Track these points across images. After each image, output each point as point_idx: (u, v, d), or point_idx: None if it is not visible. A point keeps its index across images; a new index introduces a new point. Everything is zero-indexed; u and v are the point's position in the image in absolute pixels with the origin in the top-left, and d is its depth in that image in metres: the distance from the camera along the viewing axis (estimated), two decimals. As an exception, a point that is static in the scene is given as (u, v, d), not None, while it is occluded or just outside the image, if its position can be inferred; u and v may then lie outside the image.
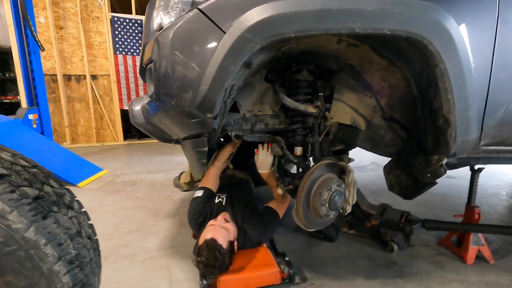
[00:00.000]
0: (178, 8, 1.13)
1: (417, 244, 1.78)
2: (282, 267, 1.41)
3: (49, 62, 4.79)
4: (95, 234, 0.86)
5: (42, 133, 3.66)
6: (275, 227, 1.67)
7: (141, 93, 5.20)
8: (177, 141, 1.42)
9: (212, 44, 1.00)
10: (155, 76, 1.12)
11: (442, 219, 1.73)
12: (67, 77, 4.99)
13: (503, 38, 1.10)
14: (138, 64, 5.14)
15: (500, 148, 1.26)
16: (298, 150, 1.50)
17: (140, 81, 5.24)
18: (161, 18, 1.16)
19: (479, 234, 1.60)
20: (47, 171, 0.78)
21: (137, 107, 1.45)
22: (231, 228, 1.47)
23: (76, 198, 0.83)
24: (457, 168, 1.57)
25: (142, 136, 5.54)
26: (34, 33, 3.42)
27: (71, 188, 2.82)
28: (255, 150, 1.59)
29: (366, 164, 3.70)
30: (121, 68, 5.09)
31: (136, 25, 5.02)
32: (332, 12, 0.96)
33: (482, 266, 1.57)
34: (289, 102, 1.38)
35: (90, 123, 5.21)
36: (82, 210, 0.83)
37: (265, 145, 1.56)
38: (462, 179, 3.10)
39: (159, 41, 1.09)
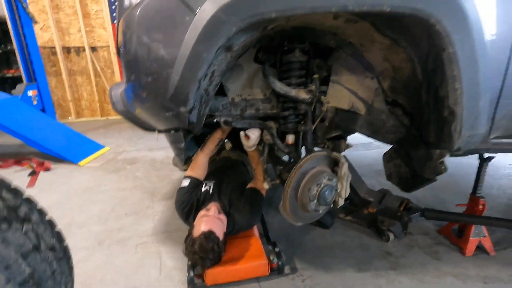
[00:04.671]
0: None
1: (416, 232, 1.72)
2: (271, 257, 1.39)
3: (47, 34, 4.64)
4: (61, 241, 0.82)
5: (43, 110, 3.64)
6: (261, 207, 1.62)
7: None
8: (160, 131, 1.34)
9: (182, 27, 0.87)
10: (123, 63, 1.01)
11: (448, 203, 1.64)
12: (66, 49, 4.85)
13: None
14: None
15: (514, 140, 1.12)
16: (290, 139, 1.40)
17: (141, 53, 5.06)
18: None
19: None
20: (-1, 180, 0.72)
21: (117, 93, 1.36)
22: (224, 219, 1.44)
23: (38, 207, 0.78)
24: (464, 156, 1.45)
25: (146, 109, 5.49)
26: (24, 3, 3.26)
27: (72, 166, 2.91)
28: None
29: (372, 140, 3.55)
30: (120, 38, 4.90)
31: (132, -9, 4.73)
32: (320, -14, 0.80)
33: (482, 258, 1.50)
34: (279, 87, 1.26)
35: (93, 97, 5.16)
36: (44, 218, 0.78)
37: None
38: (474, 158, 2.93)
39: (126, 21, 0.97)
